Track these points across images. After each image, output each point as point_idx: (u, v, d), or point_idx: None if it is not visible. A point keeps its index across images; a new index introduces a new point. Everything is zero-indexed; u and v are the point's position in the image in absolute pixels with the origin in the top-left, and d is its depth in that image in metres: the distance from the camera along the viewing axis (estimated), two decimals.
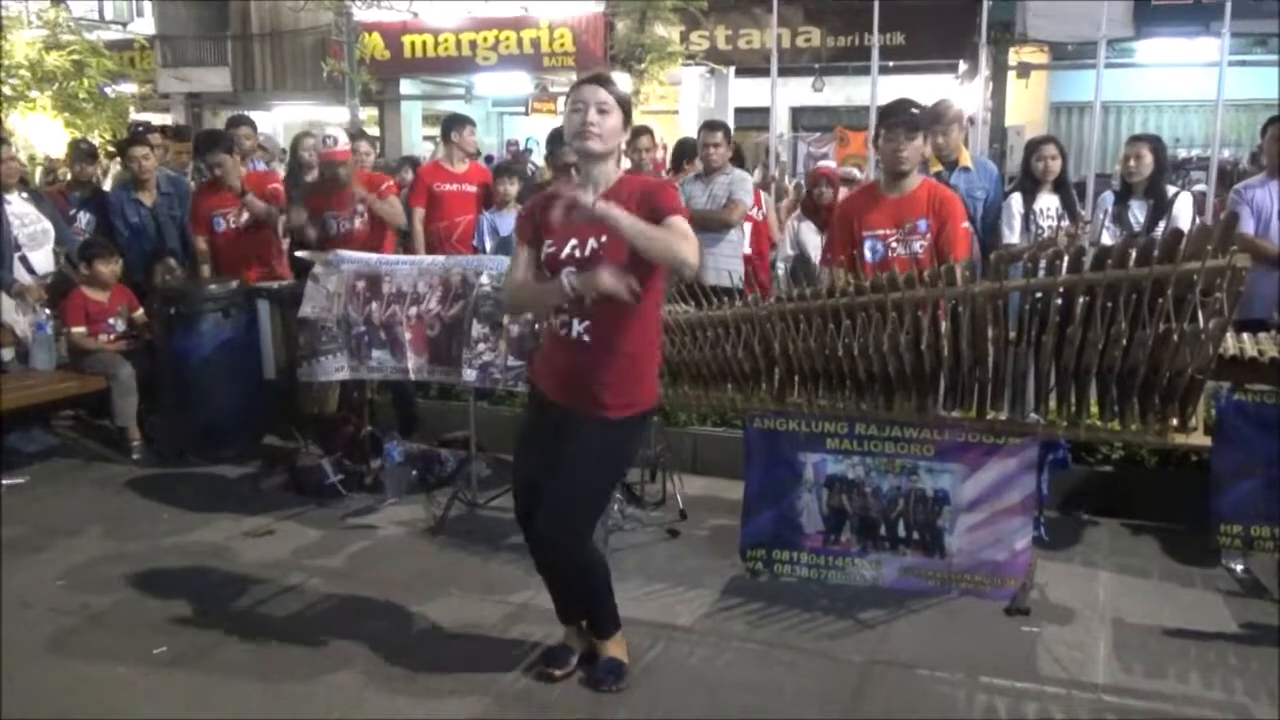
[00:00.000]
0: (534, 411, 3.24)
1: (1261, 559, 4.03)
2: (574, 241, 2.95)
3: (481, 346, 4.47)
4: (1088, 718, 3.08)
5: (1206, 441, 3.68)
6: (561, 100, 15.28)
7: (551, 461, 3.06)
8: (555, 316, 3.00)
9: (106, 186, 7.43)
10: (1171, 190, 5.47)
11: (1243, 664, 3.37)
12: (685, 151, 6.81)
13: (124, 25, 17.18)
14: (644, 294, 2.92)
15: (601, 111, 2.92)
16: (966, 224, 4.23)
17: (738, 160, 6.54)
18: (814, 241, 5.87)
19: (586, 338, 2.95)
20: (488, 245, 6.32)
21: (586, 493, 3.09)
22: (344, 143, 5.71)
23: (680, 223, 2.87)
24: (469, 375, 4.53)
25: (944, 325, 3.56)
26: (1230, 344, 3.77)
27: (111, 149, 8.75)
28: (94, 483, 5.37)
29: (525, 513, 3.16)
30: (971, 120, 12.64)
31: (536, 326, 3.15)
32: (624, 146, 3.24)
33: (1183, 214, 5.24)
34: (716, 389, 4.17)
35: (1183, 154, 12.94)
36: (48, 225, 6.17)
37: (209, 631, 3.66)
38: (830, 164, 11.78)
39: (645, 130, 6.68)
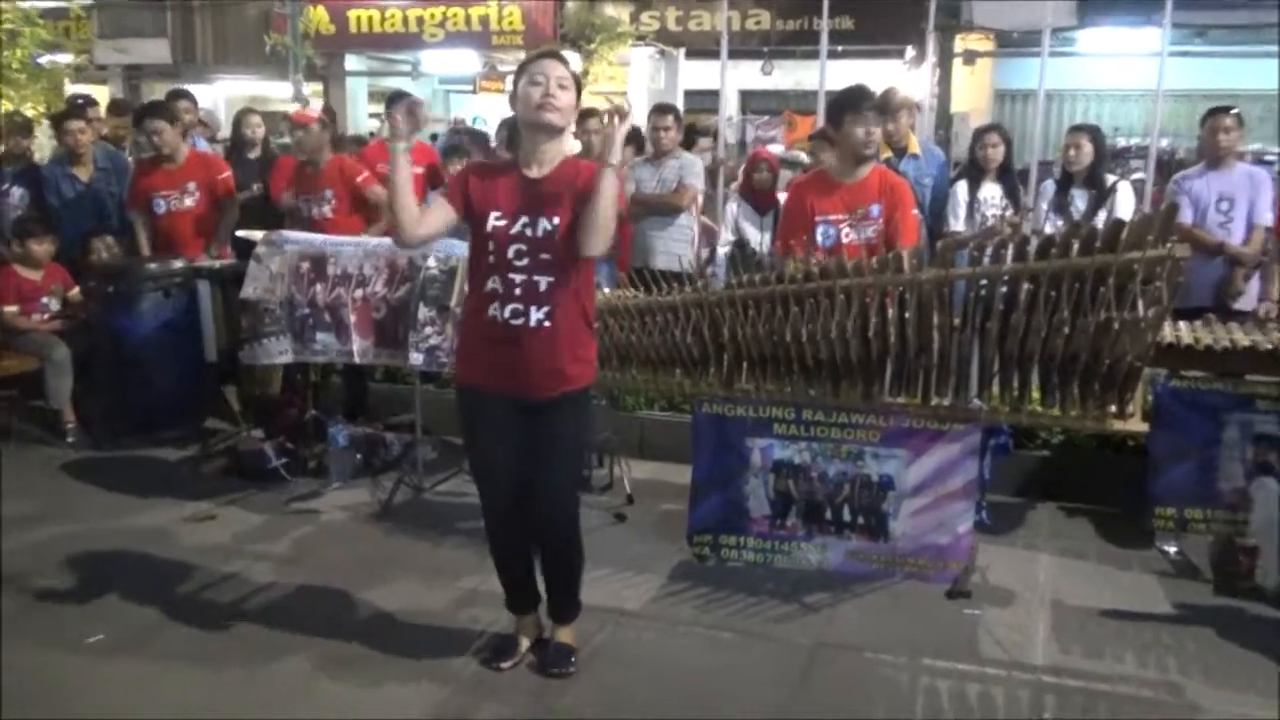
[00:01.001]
0: (489, 411, 3.08)
1: (1194, 541, 4.13)
2: (525, 219, 2.91)
3: (428, 330, 4.43)
4: (1028, 698, 3.14)
5: (1144, 427, 3.75)
6: (510, 79, 15.18)
7: (530, 451, 3.04)
8: (505, 307, 2.93)
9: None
10: (1111, 179, 5.56)
11: (1176, 644, 3.45)
12: (688, 138, 6.73)
13: None
14: (584, 267, 2.98)
15: (561, 87, 2.90)
16: (915, 211, 4.27)
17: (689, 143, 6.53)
18: (752, 225, 5.82)
19: (548, 324, 2.93)
20: None
21: (576, 465, 3.27)
22: (314, 110, 5.66)
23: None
24: (415, 358, 4.49)
25: (891, 312, 3.58)
26: (1168, 331, 3.85)
27: (45, 121, 8.50)
28: (27, 466, 5.24)
29: (505, 510, 3.13)
30: (919, 106, 12.77)
31: (484, 309, 3.07)
32: (573, 128, 3.22)
33: (1123, 203, 5.34)
34: (665, 374, 4.17)
35: (1122, 143, 13.13)
36: None
37: (149, 618, 3.59)
38: (779, 148, 11.81)
39: (593, 112, 6.64)
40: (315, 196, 5.73)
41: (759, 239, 5.74)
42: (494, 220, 2.93)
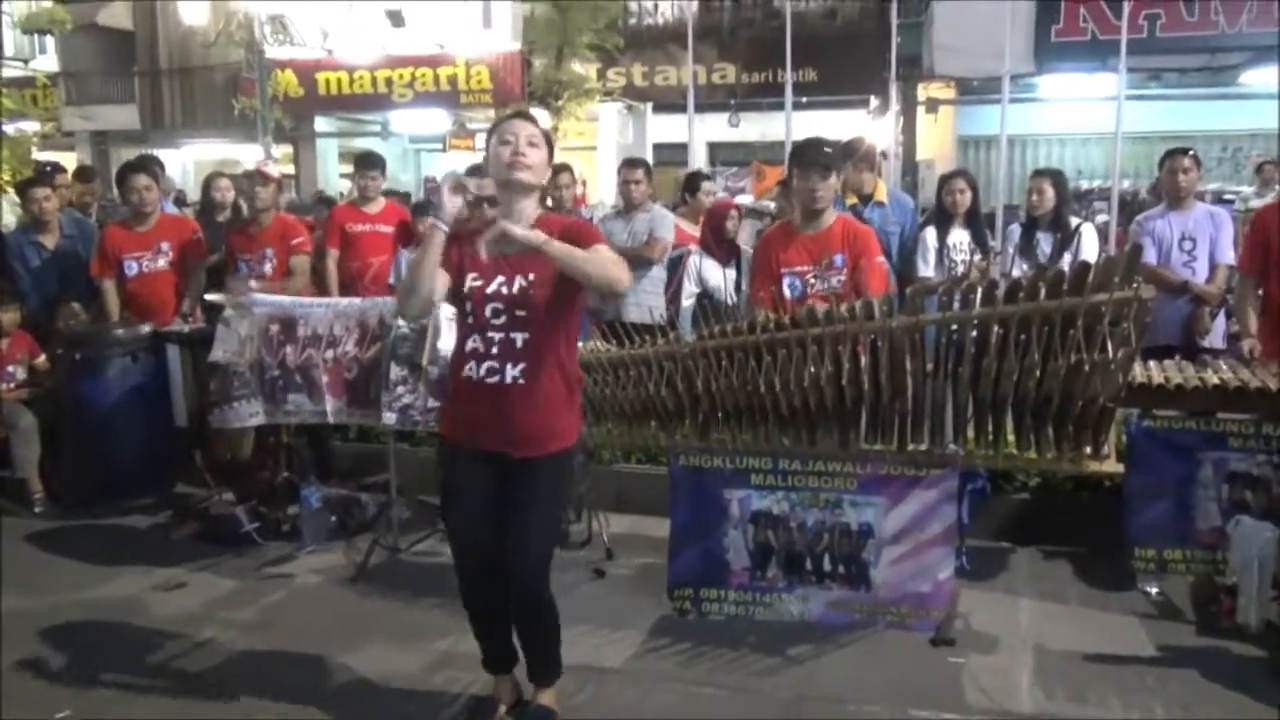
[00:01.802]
0: (465, 468, 3.07)
1: (1175, 581, 4.12)
2: (501, 278, 2.92)
3: (400, 388, 4.39)
4: None
5: (1119, 468, 3.76)
6: (479, 137, 15.31)
7: (506, 509, 3.00)
8: (480, 365, 2.94)
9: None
10: (1075, 221, 5.63)
11: (1160, 685, 3.43)
12: (692, 185, 6.78)
13: (25, 62, 16.74)
14: (564, 325, 2.98)
15: (531, 145, 2.93)
16: (881, 258, 4.29)
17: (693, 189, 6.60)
18: (716, 276, 5.79)
19: (522, 380, 2.91)
20: None
21: (552, 526, 3.17)
22: (275, 172, 5.81)
23: (607, 249, 2.93)
24: (388, 418, 4.45)
25: (864, 359, 3.59)
26: (1138, 371, 3.88)
27: (9, 189, 8.48)
28: None
29: (477, 572, 3.06)
30: (884, 154, 12.96)
31: (462, 368, 3.05)
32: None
33: (1088, 245, 5.40)
34: (640, 427, 4.16)
35: (1085, 185, 13.37)
36: None
37: (118, 691, 3.50)
38: (748, 198, 11.92)
39: (565, 167, 6.68)
40: (255, 255, 5.73)
41: (724, 288, 5.70)
42: (471, 280, 2.95)
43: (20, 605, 4.23)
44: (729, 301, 5.50)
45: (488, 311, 2.92)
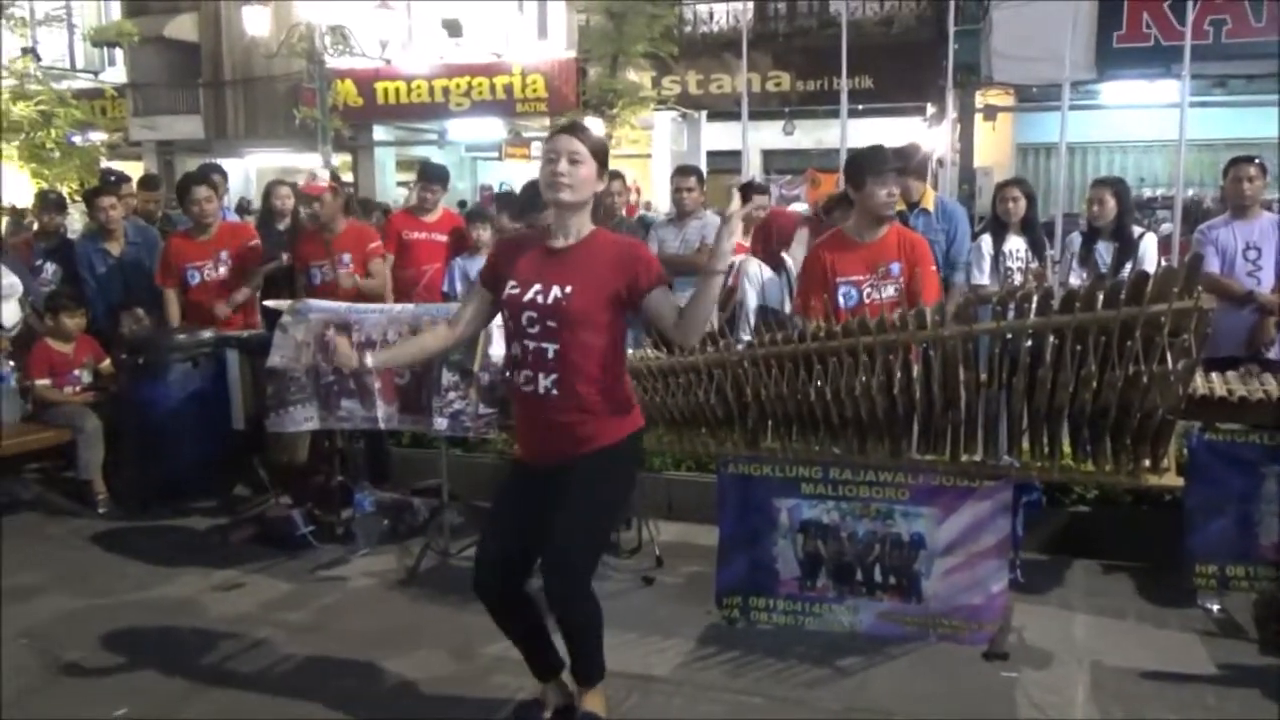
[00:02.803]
0: (519, 481, 3.13)
1: (1237, 598, 4.02)
2: (538, 286, 2.94)
3: (451, 394, 4.43)
4: None
5: (1179, 481, 3.67)
6: (535, 145, 15.42)
7: (549, 516, 2.99)
8: (519, 373, 2.97)
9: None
10: (1137, 231, 5.52)
11: (1219, 704, 3.35)
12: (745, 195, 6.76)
13: (95, 74, 17.20)
14: (603, 336, 2.95)
15: (573, 162, 2.93)
16: (934, 266, 4.25)
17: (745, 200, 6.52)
18: (775, 285, 5.73)
19: (555, 392, 2.92)
20: (459, 291, 6.30)
21: (590, 527, 3.04)
22: (324, 180, 5.84)
23: (667, 294, 3.00)
24: (440, 424, 4.50)
25: (916, 369, 3.56)
26: (1200, 383, 3.79)
27: (78, 198, 8.70)
28: (57, 537, 5.27)
29: (495, 582, 3.09)
30: (941, 162, 12.80)
31: (507, 374, 3.10)
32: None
33: (1148, 255, 5.30)
34: (690, 434, 4.15)
35: (1148, 193, 13.12)
36: (14, 280, 6.11)
37: (176, 690, 3.57)
38: (803, 206, 11.84)
39: (617, 175, 6.70)
40: (331, 261, 5.78)
41: (779, 298, 5.66)
42: (510, 288, 2.98)
43: (82, 604, 4.34)
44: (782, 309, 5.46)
45: (523, 320, 2.94)
